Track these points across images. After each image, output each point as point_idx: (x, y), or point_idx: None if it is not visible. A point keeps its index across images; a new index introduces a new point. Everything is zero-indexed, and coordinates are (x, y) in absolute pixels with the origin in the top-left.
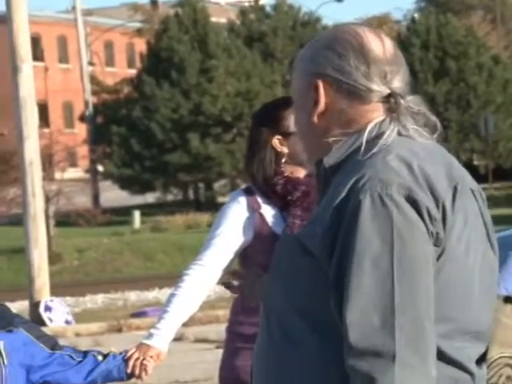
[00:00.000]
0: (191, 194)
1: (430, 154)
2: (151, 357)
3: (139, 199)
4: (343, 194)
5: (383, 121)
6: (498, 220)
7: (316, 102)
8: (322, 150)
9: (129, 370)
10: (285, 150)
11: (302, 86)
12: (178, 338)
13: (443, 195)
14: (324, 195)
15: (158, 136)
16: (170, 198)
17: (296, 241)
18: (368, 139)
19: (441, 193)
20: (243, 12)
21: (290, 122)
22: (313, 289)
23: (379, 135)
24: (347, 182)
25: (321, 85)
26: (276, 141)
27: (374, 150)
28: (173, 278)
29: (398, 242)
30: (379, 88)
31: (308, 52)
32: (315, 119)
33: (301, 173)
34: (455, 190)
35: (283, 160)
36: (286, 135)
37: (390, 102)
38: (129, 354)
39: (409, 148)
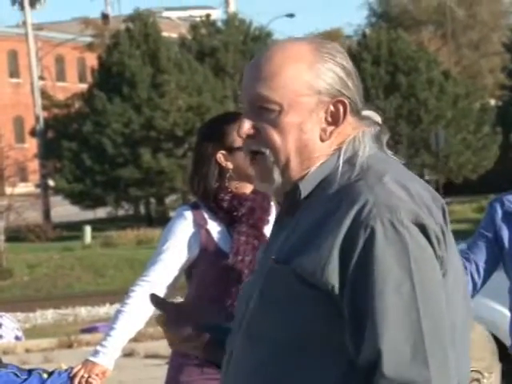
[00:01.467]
0: (142, 209)
1: (407, 173)
2: (96, 374)
3: (90, 214)
4: (348, 223)
5: (354, 139)
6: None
7: (334, 121)
8: (304, 170)
9: None
10: (229, 165)
11: (308, 101)
12: (128, 354)
13: (438, 217)
14: (294, 220)
15: (110, 151)
16: (121, 213)
17: (292, 271)
18: (344, 161)
19: (436, 214)
20: (194, 27)
21: (235, 136)
22: (315, 316)
23: (354, 155)
24: (345, 209)
25: (342, 104)
26: (220, 156)
27: (356, 173)
28: (124, 294)
29: (415, 267)
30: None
31: (304, 64)
32: (323, 137)
33: (247, 188)
34: (443, 209)
35: (227, 175)
36: (230, 150)
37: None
38: (74, 371)
39: (393, 168)
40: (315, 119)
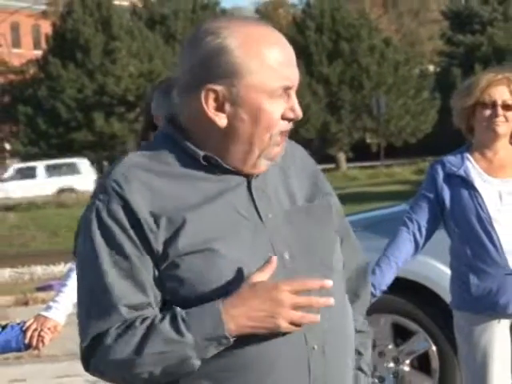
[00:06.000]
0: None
1: None
2: (48, 328)
3: None
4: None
5: None
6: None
7: None
8: None
9: (26, 341)
10: None
11: None
12: None
13: None
14: (281, 173)
15: (64, 115)
16: None
17: (333, 205)
18: None
19: None
20: None
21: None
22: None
23: None
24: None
25: None
26: (157, 120)
27: None
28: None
29: None
30: None
31: None
32: None
33: None
34: None
35: None
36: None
37: None
38: (27, 325)
39: None
40: None
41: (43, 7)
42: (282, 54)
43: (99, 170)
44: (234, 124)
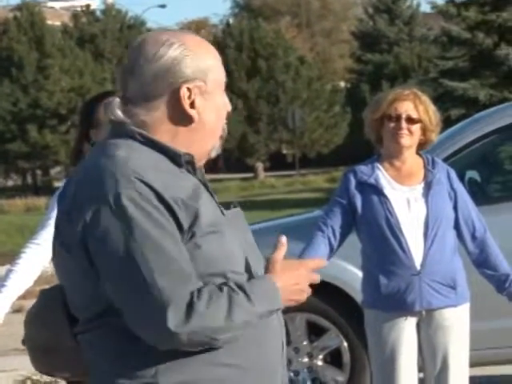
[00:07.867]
0: (30, 180)
1: None
2: None
3: None
4: None
5: None
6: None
7: None
8: None
9: None
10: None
11: None
12: (17, 310)
13: None
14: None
15: None
16: (10, 183)
17: None
18: None
19: None
20: (76, 16)
21: (101, 114)
22: None
23: None
24: None
25: None
26: (91, 133)
27: None
28: (14, 256)
29: None
30: None
31: None
32: None
33: None
34: None
35: None
36: (98, 127)
37: None
38: None
39: None
40: None
41: None
42: (217, 55)
43: (33, 178)
44: (203, 118)
